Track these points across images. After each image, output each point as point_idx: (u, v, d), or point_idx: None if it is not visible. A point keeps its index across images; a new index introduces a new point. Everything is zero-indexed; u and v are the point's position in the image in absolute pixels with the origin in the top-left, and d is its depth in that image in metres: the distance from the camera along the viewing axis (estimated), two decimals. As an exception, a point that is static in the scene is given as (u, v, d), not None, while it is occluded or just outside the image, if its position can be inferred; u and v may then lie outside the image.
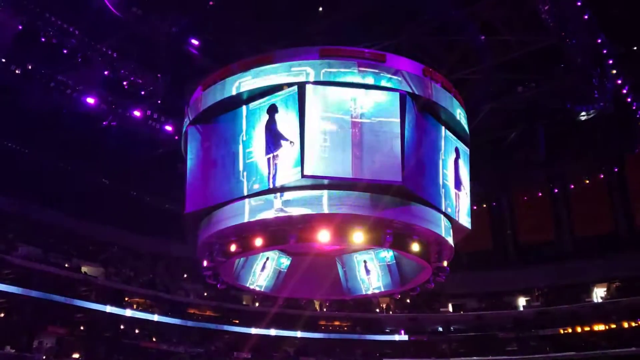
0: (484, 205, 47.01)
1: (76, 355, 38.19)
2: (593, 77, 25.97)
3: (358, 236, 17.65)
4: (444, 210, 19.36)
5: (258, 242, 18.04)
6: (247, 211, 17.85)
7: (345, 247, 21.69)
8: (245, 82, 18.30)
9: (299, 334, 45.90)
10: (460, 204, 20.44)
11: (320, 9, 26.17)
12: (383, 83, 17.83)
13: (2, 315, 35.86)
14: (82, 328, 39.17)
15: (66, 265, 39.89)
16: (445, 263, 21.17)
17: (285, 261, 23.03)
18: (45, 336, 37.75)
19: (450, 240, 20.14)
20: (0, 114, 37.02)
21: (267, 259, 22.61)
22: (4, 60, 25.45)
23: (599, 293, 45.32)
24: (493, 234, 49.44)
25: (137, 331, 42.09)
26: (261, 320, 41.87)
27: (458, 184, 20.22)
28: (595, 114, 28.31)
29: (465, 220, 20.88)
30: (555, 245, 47.67)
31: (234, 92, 18.39)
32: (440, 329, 48.73)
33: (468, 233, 21.75)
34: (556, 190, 46.88)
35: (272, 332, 44.30)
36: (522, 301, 48.00)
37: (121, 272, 43.13)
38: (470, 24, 25.14)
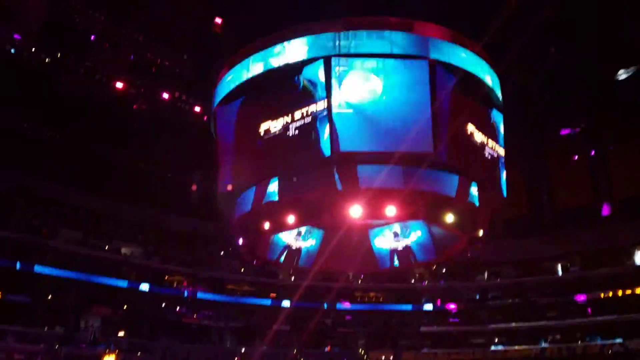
0: (520, 171, 46.13)
1: (121, 334, 39.35)
2: (631, 33, 24.99)
3: (392, 210, 17.54)
4: (477, 179, 19.07)
5: (291, 219, 18.08)
6: (279, 190, 17.87)
7: (378, 221, 21.60)
8: (271, 58, 18.16)
9: (335, 305, 46.37)
10: (494, 172, 20.10)
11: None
12: (411, 52, 17.46)
13: (50, 297, 37.04)
14: (125, 307, 40.22)
15: (106, 247, 40.82)
16: (480, 232, 20.96)
17: (317, 237, 23.11)
18: (91, 316, 38.94)
19: (485, 208, 19.87)
20: (34, 101, 37.85)
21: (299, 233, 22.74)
22: (34, 49, 25.86)
23: (639, 255, 44.30)
24: (529, 200, 48.61)
25: (178, 308, 43.04)
26: (297, 293, 42.28)
27: (492, 150, 19.83)
28: (634, 72, 27.30)
29: (500, 187, 20.55)
30: (593, 208, 46.61)
31: (260, 70, 18.26)
32: (477, 297, 48.48)
33: (504, 200, 21.43)
34: (593, 153, 45.60)
35: (309, 304, 44.72)
36: (561, 267, 47.27)
37: (160, 251, 43.98)
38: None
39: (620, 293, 43.01)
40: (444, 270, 45.49)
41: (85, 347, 35.39)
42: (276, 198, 18.13)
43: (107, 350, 32.31)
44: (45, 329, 35.80)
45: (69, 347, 34.91)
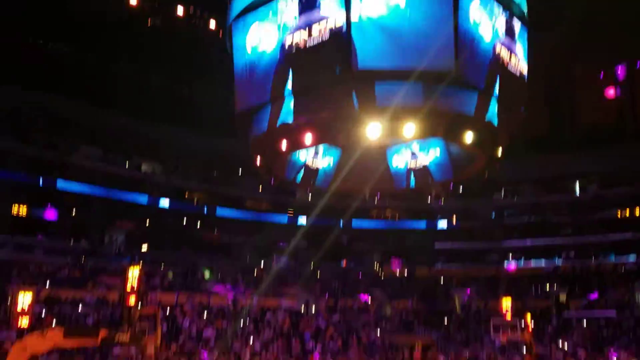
0: (543, 87, 45.08)
1: (145, 248, 40.76)
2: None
3: (410, 128, 17.29)
4: (498, 96, 18.61)
5: (308, 138, 17.95)
6: (294, 109, 17.61)
7: (396, 140, 21.40)
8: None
9: (352, 222, 47.20)
10: (516, 88, 19.58)
11: None
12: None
13: (74, 212, 38.17)
14: (147, 223, 41.35)
15: (126, 164, 41.40)
16: (499, 151, 20.74)
17: (335, 156, 23.04)
18: (115, 230, 40.22)
19: (505, 127, 19.52)
20: (50, 18, 37.34)
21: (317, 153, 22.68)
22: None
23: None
24: (551, 118, 47.85)
25: (198, 224, 44.16)
26: (314, 211, 43.02)
27: (515, 67, 19.22)
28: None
29: (521, 104, 20.11)
30: (616, 127, 45.78)
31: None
32: (494, 215, 48.93)
33: (525, 119, 21.04)
34: (621, 69, 44.16)
35: (325, 221, 45.52)
36: (579, 185, 47.14)
37: (179, 169, 44.57)
38: None
39: (637, 212, 43.10)
40: (460, 189, 45.58)
41: (110, 260, 36.85)
42: (291, 118, 17.92)
43: (132, 263, 33.51)
44: (71, 242, 37.21)
45: (94, 259, 36.38)
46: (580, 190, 46.65)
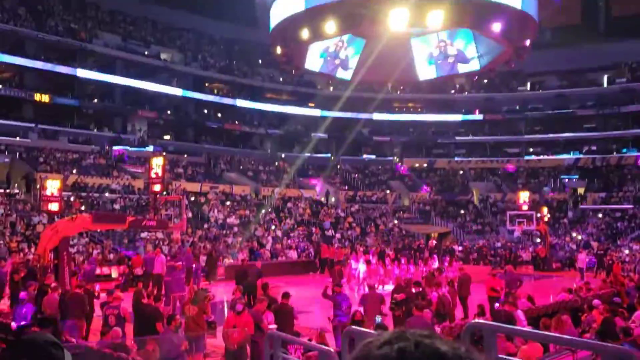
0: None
1: (167, 137, 41.26)
2: None
3: (436, 17, 16.64)
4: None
5: (330, 27, 17.42)
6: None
7: (421, 29, 20.65)
8: None
9: (373, 115, 46.82)
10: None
11: None
12: None
13: (96, 100, 38.35)
14: (169, 112, 41.50)
15: (145, 52, 40.79)
16: (528, 42, 20.05)
17: (358, 46, 22.44)
18: (137, 120, 40.53)
19: (535, 16, 18.68)
20: None
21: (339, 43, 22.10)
22: None
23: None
24: (583, 7, 45.43)
25: (219, 115, 44.22)
26: (336, 103, 42.64)
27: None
28: None
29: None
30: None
31: None
32: (517, 107, 48.10)
33: (556, 7, 20.09)
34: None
35: (347, 114, 45.24)
36: (607, 78, 45.67)
37: (199, 58, 43.89)
38: None
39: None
40: (485, 81, 44.54)
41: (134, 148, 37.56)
42: (303, 6, 17.26)
43: (155, 152, 34.03)
44: (95, 130, 37.74)
45: (118, 148, 37.03)
46: (608, 82, 45.27)
